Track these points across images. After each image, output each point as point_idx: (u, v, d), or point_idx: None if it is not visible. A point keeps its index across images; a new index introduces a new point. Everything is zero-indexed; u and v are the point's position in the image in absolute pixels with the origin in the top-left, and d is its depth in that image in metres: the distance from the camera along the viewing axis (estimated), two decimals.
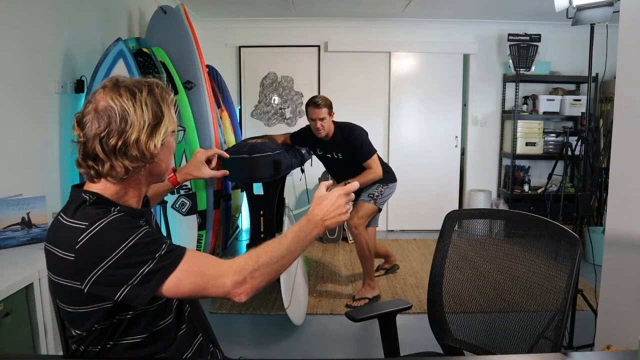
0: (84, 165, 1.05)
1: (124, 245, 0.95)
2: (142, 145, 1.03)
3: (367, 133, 3.32)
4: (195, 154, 1.55)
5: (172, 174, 1.52)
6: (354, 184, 1.17)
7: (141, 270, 0.95)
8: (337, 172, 3.45)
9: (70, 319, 1.04)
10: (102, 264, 0.95)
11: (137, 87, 1.04)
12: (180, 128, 1.19)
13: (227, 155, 1.66)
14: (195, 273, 0.99)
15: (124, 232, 0.97)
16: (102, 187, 1.06)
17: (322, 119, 3.18)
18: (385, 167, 3.40)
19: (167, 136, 1.08)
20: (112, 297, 0.97)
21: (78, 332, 1.03)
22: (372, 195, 3.30)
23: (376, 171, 3.25)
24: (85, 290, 0.97)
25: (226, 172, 1.74)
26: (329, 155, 3.37)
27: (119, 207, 1.04)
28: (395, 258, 4.02)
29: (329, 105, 3.21)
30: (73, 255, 0.97)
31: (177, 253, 1.00)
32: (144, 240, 0.97)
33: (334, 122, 3.30)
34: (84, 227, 0.97)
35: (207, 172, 1.56)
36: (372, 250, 3.36)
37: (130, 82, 1.05)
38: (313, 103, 3.19)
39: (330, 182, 1.24)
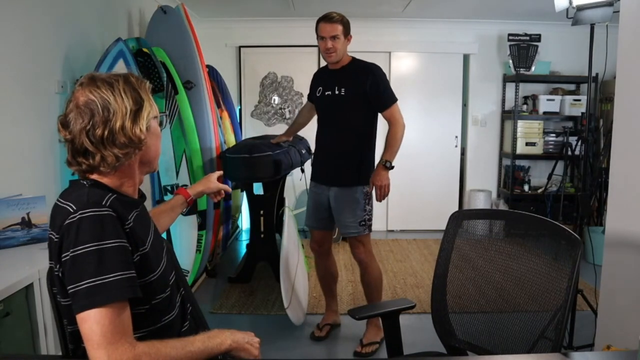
0: (74, 162, 1.07)
1: (94, 244, 0.95)
2: (129, 132, 1.04)
3: None
4: (208, 177, 1.61)
5: (182, 189, 1.56)
6: None
7: (88, 281, 0.94)
8: (329, 118, 2.69)
9: (68, 314, 1.03)
10: (71, 250, 0.95)
11: (113, 79, 1.06)
12: (161, 114, 1.21)
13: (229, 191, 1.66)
14: (103, 326, 0.92)
15: (102, 232, 0.97)
16: (97, 179, 1.08)
17: (333, 38, 2.50)
18: (370, 164, 2.76)
19: (150, 121, 1.10)
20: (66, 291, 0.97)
21: (75, 327, 1.00)
22: (363, 222, 2.64)
23: (401, 122, 2.64)
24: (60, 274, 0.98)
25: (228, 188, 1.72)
26: (329, 93, 2.63)
27: (115, 195, 1.05)
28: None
29: (345, 24, 2.52)
30: (59, 236, 0.98)
31: (114, 293, 0.95)
32: (113, 252, 0.96)
33: (353, 57, 2.64)
34: (72, 210, 0.98)
35: (215, 184, 1.61)
36: (380, 283, 2.80)
37: (106, 75, 1.08)
38: (325, 17, 2.51)
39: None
